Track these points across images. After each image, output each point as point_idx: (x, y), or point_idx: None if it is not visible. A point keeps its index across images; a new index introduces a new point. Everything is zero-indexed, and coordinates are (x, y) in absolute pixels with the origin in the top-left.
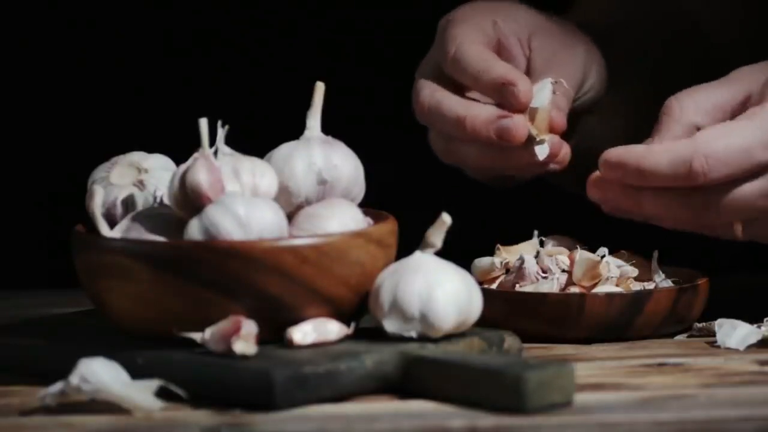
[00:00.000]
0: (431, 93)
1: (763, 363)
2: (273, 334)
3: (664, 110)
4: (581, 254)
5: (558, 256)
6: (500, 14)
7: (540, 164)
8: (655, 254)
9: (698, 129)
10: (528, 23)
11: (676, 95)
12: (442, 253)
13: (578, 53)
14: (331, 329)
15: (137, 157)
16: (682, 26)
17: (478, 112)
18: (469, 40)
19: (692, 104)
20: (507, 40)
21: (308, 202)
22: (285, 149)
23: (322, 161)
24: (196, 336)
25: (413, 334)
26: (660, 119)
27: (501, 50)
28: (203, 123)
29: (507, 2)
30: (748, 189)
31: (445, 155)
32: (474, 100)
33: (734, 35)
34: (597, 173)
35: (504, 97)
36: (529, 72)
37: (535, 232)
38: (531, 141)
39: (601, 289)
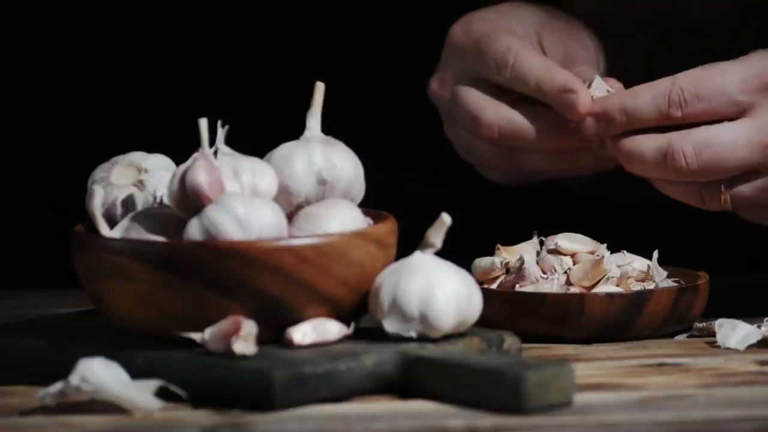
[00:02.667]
0: (496, 111)
1: (763, 363)
2: (273, 334)
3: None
4: (582, 255)
5: (561, 256)
6: (511, 18)
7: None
8: (655, 254)
9: None
10: (534, 22)
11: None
12: (442, 253)
13: (588, 45)
14: (331, 329)
15: (137, 157)
16: (677, 23)
17: (554, 121)
18: (524, 48)
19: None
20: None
21: (308, 202)
22: (285, 149)
23: (322, 161)
24: (196, 336)
25: (413, 334)
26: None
27: None
28: (203, 123)
29: (508, 4)
30: (745, 187)
31: (501, 161)
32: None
33: (731, 32)
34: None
35: (564, 105)
36: None
37: (535, 232)
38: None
39: (601, 289)
